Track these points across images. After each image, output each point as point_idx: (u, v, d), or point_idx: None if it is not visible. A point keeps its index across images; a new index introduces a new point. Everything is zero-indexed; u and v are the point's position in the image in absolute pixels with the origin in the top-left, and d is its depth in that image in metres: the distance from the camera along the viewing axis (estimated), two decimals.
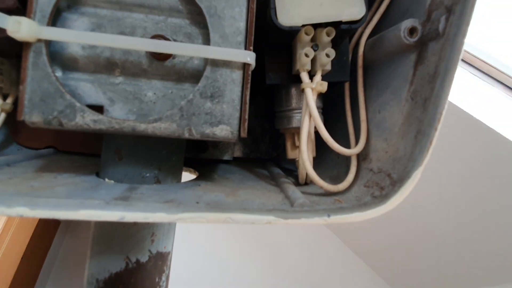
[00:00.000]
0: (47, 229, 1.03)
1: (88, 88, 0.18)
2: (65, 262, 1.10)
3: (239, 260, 1.10)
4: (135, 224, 0.21)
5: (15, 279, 0.80)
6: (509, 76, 0.73)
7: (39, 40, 0.17)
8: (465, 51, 0.72)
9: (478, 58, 0.74)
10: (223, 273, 1.06)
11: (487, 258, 0.74)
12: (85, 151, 0.30)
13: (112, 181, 0.21)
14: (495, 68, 0.73)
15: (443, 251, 0.83)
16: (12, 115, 0.26)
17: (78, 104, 0.17)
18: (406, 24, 0.20)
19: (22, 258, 0.81)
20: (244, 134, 0.19)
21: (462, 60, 0.74)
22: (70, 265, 1.11)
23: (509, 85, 0.73)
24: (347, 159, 0.25)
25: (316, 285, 1.04)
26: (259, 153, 0.32)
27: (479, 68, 0.75)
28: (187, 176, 0.28)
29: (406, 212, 0.84)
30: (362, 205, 0.19)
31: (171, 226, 0.24)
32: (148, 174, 0.22)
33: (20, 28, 0.17)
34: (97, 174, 0.23)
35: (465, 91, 0.66)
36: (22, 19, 0.17)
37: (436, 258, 0.86)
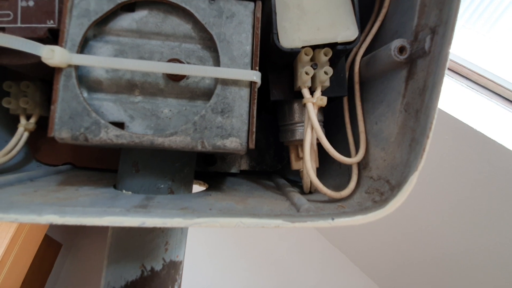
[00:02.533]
0: (48, 254, 1.03)
1: (111, 107, 0.20)
2: (66, 286, 1.09)
3: (237, 265, 1.10)
4: (150, 232, 0.22)
5: None
6: (505, 88, 0.75)
7: (69, 66, 0.19)
8: (462, 66, 0.75)
9: (476, 73, 0.77)
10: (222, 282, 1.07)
11: (475, 262, 0.74)
12: (100, 167, 0.31)
13: (130, 192, 0.23)
14: (491, 81, 0.76)
15: (432, 254, 0.83)
16: (33, 134, 0.28)
17: (102, 121, 0.19)
18: (396, 43, 0.23)
19: (23, 282, 0.81)
20: (252, 145, 0.20)
21: (460, 75, 0.77)
22: None
23: (506, 96, 0.76)
24: (348, 169, 0.26)
25: (307, 286, 1.06)
26: (264, 166, 0.34)
27: (476, 81, 0.78)
28: (196, 188, 0.29)
29: (396, 215, 0.84)
30: (364, 209, 0.20)
31: (183, 235, 0.25)
32: (162, 185, 0.23)
33: (54, 55, 0.19)
34: (114, 187, 0.25)
35: (463, 103, 0.69)
36: (56, 48, 0.19)
37: (425, 260, 0.86)
